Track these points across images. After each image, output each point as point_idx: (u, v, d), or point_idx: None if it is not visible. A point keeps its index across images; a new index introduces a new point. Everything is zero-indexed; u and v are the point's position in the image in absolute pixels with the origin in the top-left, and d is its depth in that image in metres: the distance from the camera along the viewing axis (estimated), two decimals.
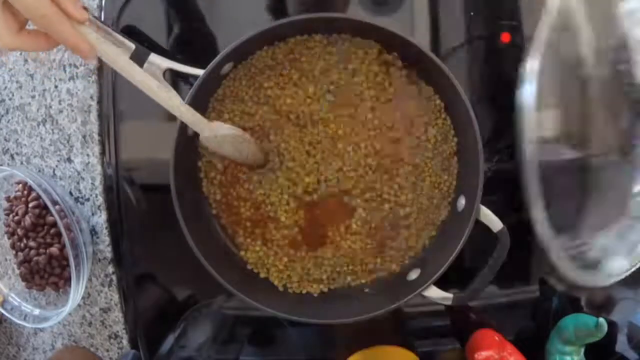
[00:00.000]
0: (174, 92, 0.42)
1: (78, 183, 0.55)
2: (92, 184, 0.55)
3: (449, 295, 0.46)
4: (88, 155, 0.54)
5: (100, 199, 0.55)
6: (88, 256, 0.53)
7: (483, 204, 0.46)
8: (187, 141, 0.47)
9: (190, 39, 0.54)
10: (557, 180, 0.50)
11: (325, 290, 0.51)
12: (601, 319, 0.50)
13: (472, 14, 0.54)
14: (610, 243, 0.47)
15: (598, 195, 0.50)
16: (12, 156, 0.57)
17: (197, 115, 0.43)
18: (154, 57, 0.44)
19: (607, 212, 0.49)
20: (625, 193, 0.48)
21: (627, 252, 0.47)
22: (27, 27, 0.38)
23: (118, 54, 0.40)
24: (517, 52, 0.54)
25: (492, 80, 0.55)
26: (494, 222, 0.46)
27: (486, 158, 0.54)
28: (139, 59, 0.44)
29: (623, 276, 0.47)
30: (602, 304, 0.59)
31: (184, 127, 0.45)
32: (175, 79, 0.50)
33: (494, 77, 0.55)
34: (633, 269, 0.47)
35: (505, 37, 0.54)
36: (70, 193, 0.55)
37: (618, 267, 0.47)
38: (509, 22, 0.55)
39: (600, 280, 0.48)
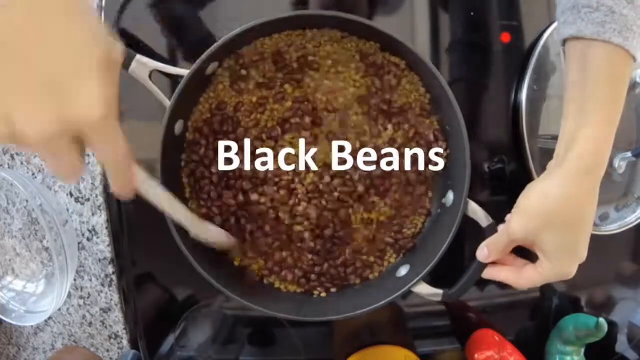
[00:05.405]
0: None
1: (78, 183, 0.55)
2: (92, 184, 0.54)
3: (439, 291, 0.46)
4: (88, 155, 0.54)
5: (100, 199, 0.55)
6: (73, 255, 0.52)
7: (482, 204, 0.46)
8: (174, 141, 0.47)
9: (187, 40, 0.54)
10: None
11: (308, 287, 0.51)
12: (601, 319, 0.51)
13: (472, 14, 0.54)
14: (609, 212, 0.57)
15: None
16: (12, 156, 0.57)
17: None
18: (140, 58, 0.44)
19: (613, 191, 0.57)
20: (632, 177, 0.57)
21: (618, 219, 0.57)
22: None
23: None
24: (517, 52, 0.55)
25: (492, 80, 0.55)
26: (482, 217, 0.46)
27: (486, 158, 0.55)
28: (125, 59, 0.44)
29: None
30: (602, 304, 0.59)
31: (170, 127, 0.45)
32: (164, 81, 0.48)
33: (494, 77, 0.55)
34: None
35: (505, 37, 0.54)
36: (70, 193, 0.55)
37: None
38: (509, 22, 0.55)
39: None
